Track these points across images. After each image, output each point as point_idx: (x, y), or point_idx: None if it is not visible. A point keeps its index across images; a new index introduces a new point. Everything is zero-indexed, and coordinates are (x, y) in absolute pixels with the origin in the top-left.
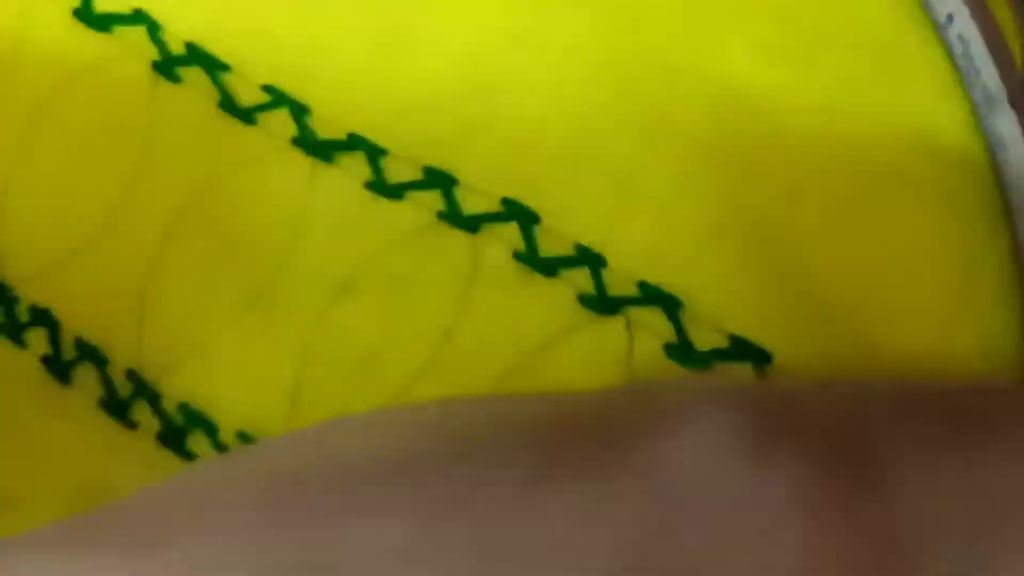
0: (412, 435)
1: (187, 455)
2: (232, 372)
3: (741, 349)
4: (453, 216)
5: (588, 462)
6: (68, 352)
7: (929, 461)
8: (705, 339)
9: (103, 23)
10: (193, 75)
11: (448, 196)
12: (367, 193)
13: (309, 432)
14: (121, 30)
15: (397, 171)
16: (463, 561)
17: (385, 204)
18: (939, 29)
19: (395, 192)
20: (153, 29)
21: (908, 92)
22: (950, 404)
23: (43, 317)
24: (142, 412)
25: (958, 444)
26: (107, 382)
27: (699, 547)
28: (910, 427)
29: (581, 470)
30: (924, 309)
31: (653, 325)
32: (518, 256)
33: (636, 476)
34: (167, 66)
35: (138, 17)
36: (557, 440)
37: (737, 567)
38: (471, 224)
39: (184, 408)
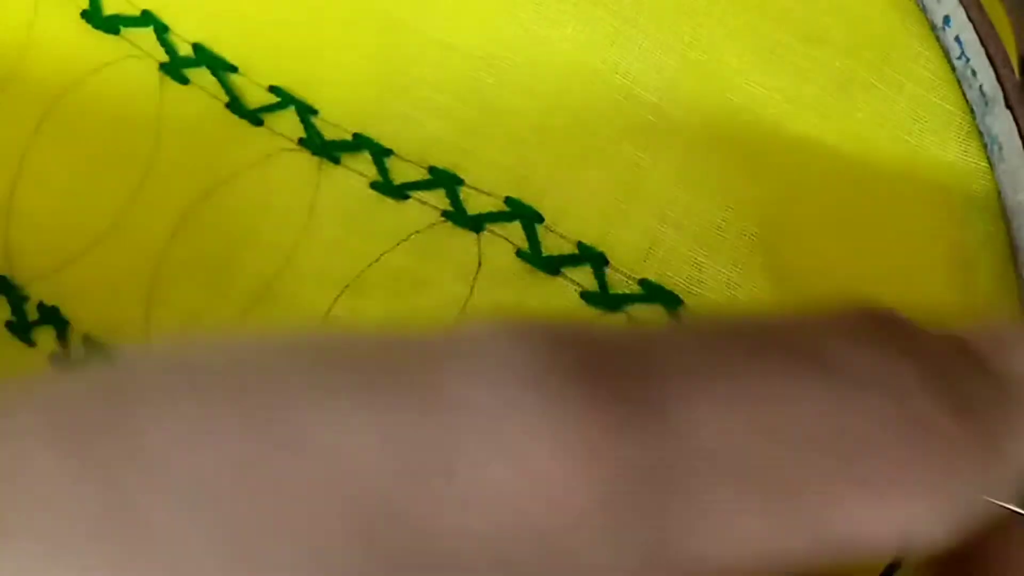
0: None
1: None
2: None
3: None
4: (458, 215)
5: (375, 377)
6: (76, 350)
7: (722, 396)
8: None
9: (111, 25)
10: (201, 76)
11: (453, 196)
12: (373, 193)
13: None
14: (129, 32)
15: (402, 171)
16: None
17: (391, 204)
18: (936, 31)
19: (400, 192)
20: (161, 31)
21: (905, 94)
22: (752, 335)
23: (51, 315)
24: None
25: (754, 376)
26: None
27: (471, 479)
28: (705, 362)
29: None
30: (921, 306)
31: (654, 323)
32: (521, 255)
33: (422, 400)
34: (175, 67)
35: (146, 19)
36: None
37: (483, 505)
38: (475, 223)
39: None
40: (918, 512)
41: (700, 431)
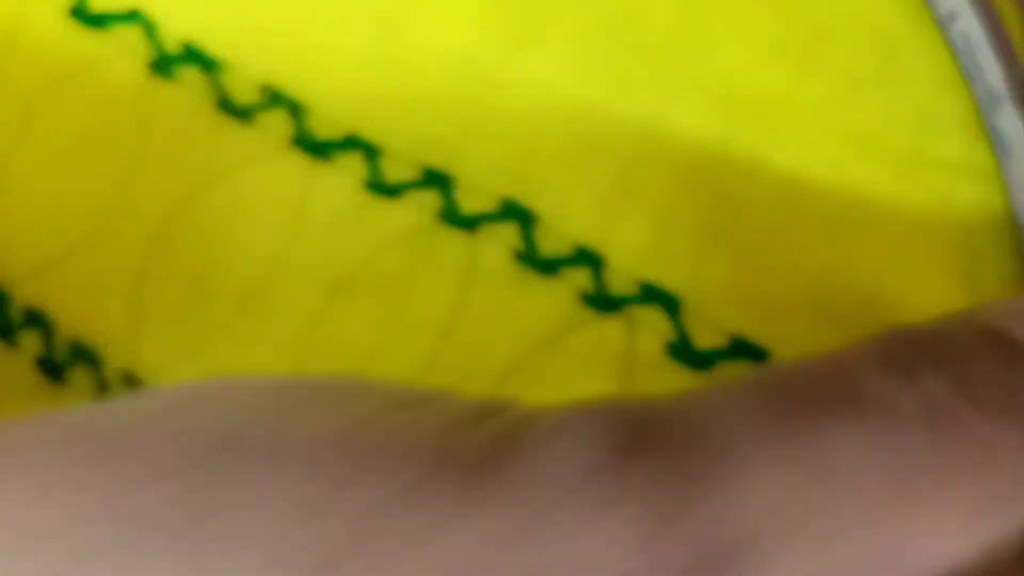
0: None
1: None
2: (227, 373)
3: (740, 348)
4: (452, 216)
5: (459, 475)
6: (62, 353)
7: (776, 455)
8: (705, 338)
9: (99, 22)
10: (190, 74)
11: (447, 196)
12: (365, 192)
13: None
14: (117, 29)
15: (395, 170)
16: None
17: (383, 204)
18: (942, 26)
19: (393, 191)
20: (149, 28)
21: (910, 90)
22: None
23: (37, 318)
24: None
25: (801, 427)
26: (102, 383)
27: (538, 561)
28: (755, 426)
29: (453, 484)
30: (925, 307)
31: (654, 324)
32: (517, 256)
33: (497, 488)
34: (163, 65)
35: (134, 16)
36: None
37: None
38: (470, 224)
39: None
40: (970, 528)
41: (759, 495)
